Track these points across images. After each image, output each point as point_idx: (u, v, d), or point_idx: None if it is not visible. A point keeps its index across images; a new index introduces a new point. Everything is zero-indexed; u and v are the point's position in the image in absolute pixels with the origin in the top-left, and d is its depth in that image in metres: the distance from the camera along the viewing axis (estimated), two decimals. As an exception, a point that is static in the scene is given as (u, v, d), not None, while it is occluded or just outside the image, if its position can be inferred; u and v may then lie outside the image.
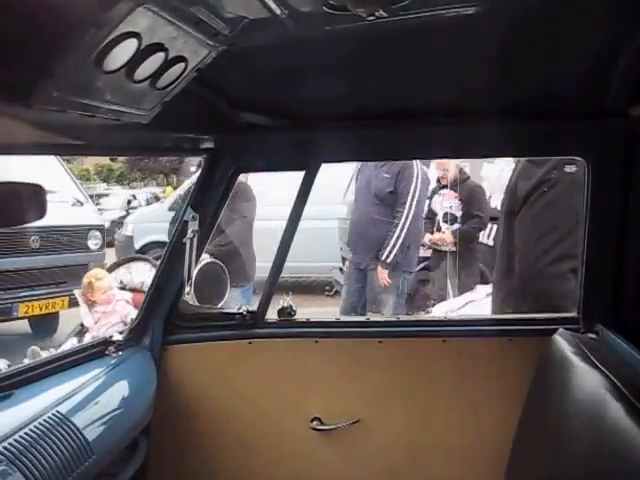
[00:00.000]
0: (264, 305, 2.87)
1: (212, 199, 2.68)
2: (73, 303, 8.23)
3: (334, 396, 2.85)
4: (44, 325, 8.81)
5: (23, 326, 8.65)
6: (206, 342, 2.88)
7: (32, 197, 1.67)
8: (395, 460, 2.84)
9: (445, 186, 7.02)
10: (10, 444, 1.86)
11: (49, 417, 2.07)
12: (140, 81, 1.52)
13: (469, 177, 7.22)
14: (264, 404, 2.86)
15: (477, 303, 5.19)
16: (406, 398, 2.81)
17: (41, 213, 1.68)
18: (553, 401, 2.38)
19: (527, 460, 2.56)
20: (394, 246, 6.06)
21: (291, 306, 2.87)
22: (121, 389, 2.54)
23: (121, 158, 27.09)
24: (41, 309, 8.19)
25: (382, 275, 6.13)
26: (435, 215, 7.16)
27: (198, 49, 1.59)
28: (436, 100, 2.28)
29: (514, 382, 2.69)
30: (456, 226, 6.89)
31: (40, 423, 2.02)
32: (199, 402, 2.85)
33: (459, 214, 6.99)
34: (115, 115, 1.62)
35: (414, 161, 6.02)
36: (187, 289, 2.69)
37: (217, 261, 3.07)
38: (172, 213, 11.53)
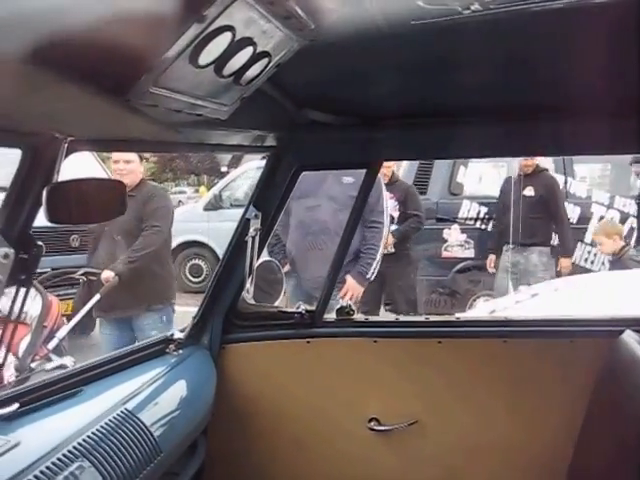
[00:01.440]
0: (322, 304, 2.85)
1: (274, 197, 2.67)
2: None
3: (392, 396, 2.83)
4: (82, 324, 8.86)
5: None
6: (264, 341, 2.87)
7: (114, 193, 1.67)
8: (453, 462, 2.81)
9: None
10: (84, 440, 1.87)
11: (118, 414, 2.07)
12: (227, 76, 1.51)
13: (398, 178, 7.34)
14: (321, 404, 2.85)
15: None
16: (466, 399, 2.78)
17: (122, 209, 1.68)
18: (622, 403, 2.34)
19: (590, 462, 2.52)
20: (378, 261, 5.32)
21: (350, 305, 2.86)
22: (183, 388, 2.53)
23: (153, 158, 27.27)
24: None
25: (356, 291, 5.23)
26: None
27: (283, 44, 1.57)
28: (514, 98, 2.24)
29: (576, 383, 2.65)
30: (393, 227, 6.90)
31: (110, 420, 2.03)
32: (256, 402, 2.84)
33: (396, 215, 7.04)
34: (198, 110, 1.61)
35: None
36: (247, 287, 2.67)
37: (272, 259, 3.05)
38: (207, 213, 11.63)
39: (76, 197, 1.54)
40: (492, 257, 7.67)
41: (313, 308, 2.86)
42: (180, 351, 2.64)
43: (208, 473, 2.72)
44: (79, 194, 1.55)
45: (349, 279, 5.18)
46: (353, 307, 2.87)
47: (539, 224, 7.41)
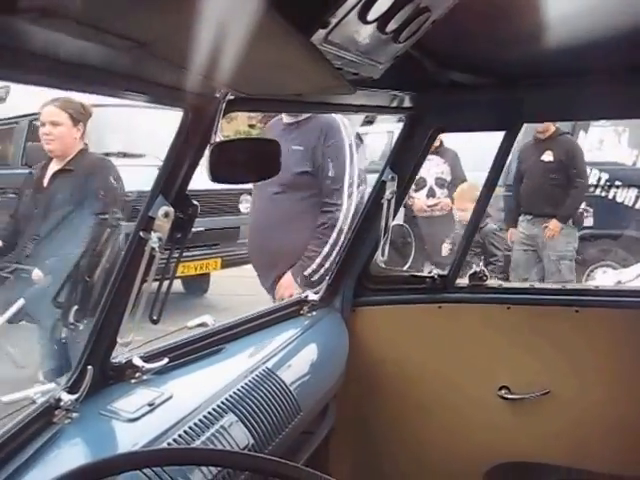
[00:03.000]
0: (455, 269, 2.80)
1: (410, 159, 2.63)
2: (225, 264, 8.53)
3: (524, 365, 2.76)
4: (196, 285, 9.14)
5: (176, 285, 9.00)
6: (395, 305, 2.85)
7: (269, 153, 1.68)
8: (586, 436, 2.72)
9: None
10: (231, 396, 1.92)
11: (260, 372, 2.12)
12: (388, 33, 1.48)
13: (442, 143, 7.06)
14: (451, 370, 2.81)
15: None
16: (604, 371, 2.68)
17: (276, 169, 1.69)
18: None
19: None
20: (327, 256, 3.86)
21: (483, 271, 2.79)
22: (318, 350, 2.56)
23: (259, 125, 27.54)
24: (196, 270, 8.47)
25: (287, 291, 3.89)
26: (425, 182, 7.06)
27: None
28: None
29: None
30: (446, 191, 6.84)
31: (253, 377, 2.07)
32: (384, 366, 2.84)
33: (449, 179, 6.93)
34: (356, 68, 1.59)
35: (340, 124, 3.93)
36: (381, 250, 2.66)
37: (403, 224, 3.02)
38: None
39: (235, 157, 1.56)
40: (512, 230, 7.16)
41: (445, 272, 2.82)
42: (314, 313, 2.66)
43: (338, 435, 2.75)
44: (238, 154, 1.57)
45: (287, 274, 3.91)
46: (486, 272, 2.80)
47: (559, 192, 6.85)
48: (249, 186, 9.23)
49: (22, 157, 8.19)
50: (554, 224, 6.80)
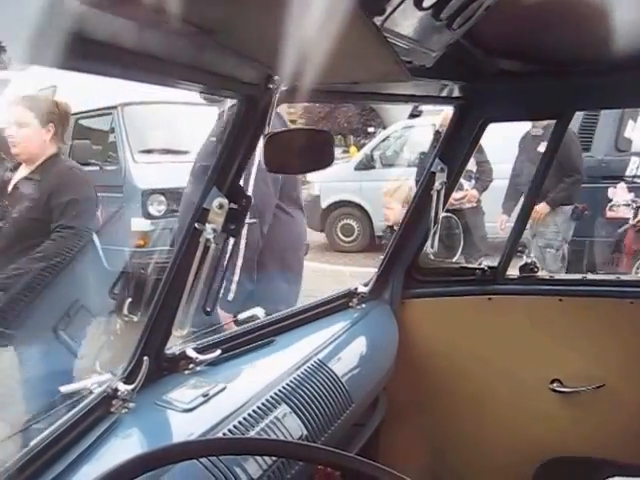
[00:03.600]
0: (505, 260, 2.77)
1: (460, 150, 2.61)
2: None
3: (577, 358, 2.71)
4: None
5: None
6: (444, 297, 2.83)
7: (323, 144, 1.67)
8: None
9: None
10: (284, 387, 1.93)
11: (312, 364, 2.12)
12: (442, 19, 1.47)
13: None
14: (501, 362, 2.78)
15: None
16: None
17: (329, 161, 1.68)
18: None
19: None
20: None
21: (534, 262, 2.76)
22: (368, 342, 2.55)
23: (300, 120, 27.68)
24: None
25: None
26: None
27: None
28: None
29: None
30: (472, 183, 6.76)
31: (305, 369, 2.07)
32: (434, 358, 2.82)
33: (474, 170, 6.83)
34: (409, 56, 1.58)
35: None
36: (430, 241, 2.64)
37: (452, 215, 3.00)
38: (358, 173, 11.66)
39: (290, 147, 1.56)
40: (504, 218, 7.07)
41: (495, 264, 2.79)
42: (363, 305, 2.65)
43: (388, 427, 2.74)
44: (292, 144, 1.57)
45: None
46: (537, 264, 2.77)
47: (552, 182, 6.66)
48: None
49: (70, 155, 8.33)
50: (541, 206, 6.76)
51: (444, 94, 2.42)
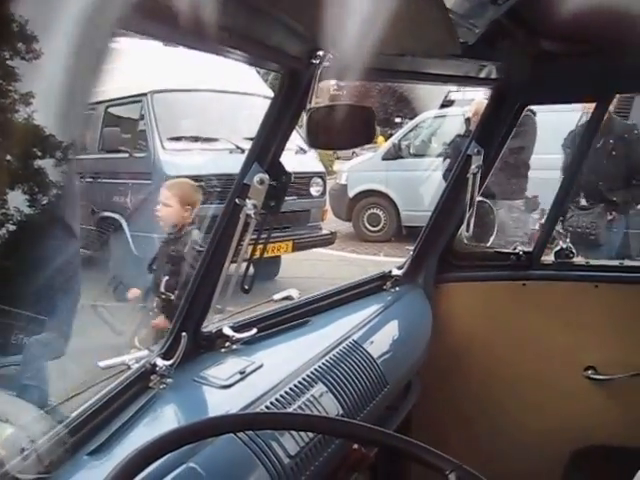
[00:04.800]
0: (541, 246, 2.75)
1: (497, 133, 2.58)
2: (296, 247, 8.56)
3: (612, 345, 2.68)
4: (268, 268, 9.20)
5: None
6: (478, 282, 2.81)
7: (364, 120, 1.66)
8: None
9: None
10: (320, 366, 1.93)
11: (347, 345, 2.12)
12: None
13: None
14: (535, 348, 2.76)
15: None
16: None
17: (370, 137, 1.68)
18: None
19: None
20: None
21: (570, 247, 2.72)
22: (402, 325, 2.54)
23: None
24: (267, 252, 8.51)
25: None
26: None
27: None
28: None
29: None
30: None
31: (340, 350, 2.07)
32: (468, 343, 2.80)
33: None
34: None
35: None
36: (466, 225, 2.62)
37: (486, 200, 2.96)
38: (385, 162, 11.61)
39: (332, 122, 1.55)
40: None
41: (530, 249, 2.76)
42: (397, 288, 2.64)
43: (421, 411, 2.73)
44: (334, 120, 1.56)
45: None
46: (573, 249, 2.74)
47: (503, 176, 6.41)
48: (319, 169, 9.36)
49: (100, 142, 8.40)
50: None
51: (483, 75, 2.39)
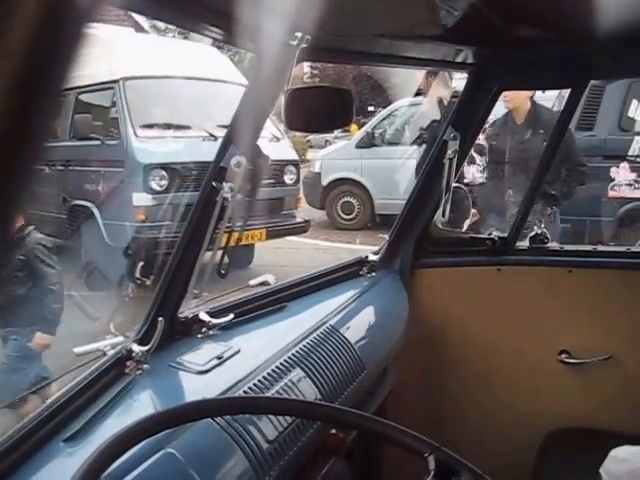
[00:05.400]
0: (516, 231, 2.75)
1: (473, 118, 2.58)
2: (270, 236, 8.54)
3: (586, 329, 2.71)
4: (241, 256, 9.17)
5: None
6: (453, 267, 2.82)
7: (342, 102, 1.65)
8: None
9: None
10: (297, 351, 1.92)
11: (324, 330, 2.11)
12: None
13: None
14: (510, 333, 2.77)
15: None
16: None
17: (349, 119, 1.66)
18: None
19: None
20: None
21: (544, 233, 2.74)
22: (379, 311, 2.54)
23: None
24: (241, 240, 8.47)
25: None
26: None
27: None
28: None
29: None
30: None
31: (317, 335, 2.07)
32: (443, 328, 2.81)
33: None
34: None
35: None
36: (442, 211, 2.62)
37: (461, 185, 2.97)
38: (359, 151, 11.61)
39: (310, 104, 1.53)
40: None
41: (505, 235, 2.77)
42: (373, 273, 2.64)
43: (396, 397, 2.73)
44: (312, 101, 1.55)
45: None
46: (547, 234, 2.75)
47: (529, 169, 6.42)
48: (293, 157, 9.33)
49: (70, 129, 8.30)
50: None
51: (459, 59, 2.39)
